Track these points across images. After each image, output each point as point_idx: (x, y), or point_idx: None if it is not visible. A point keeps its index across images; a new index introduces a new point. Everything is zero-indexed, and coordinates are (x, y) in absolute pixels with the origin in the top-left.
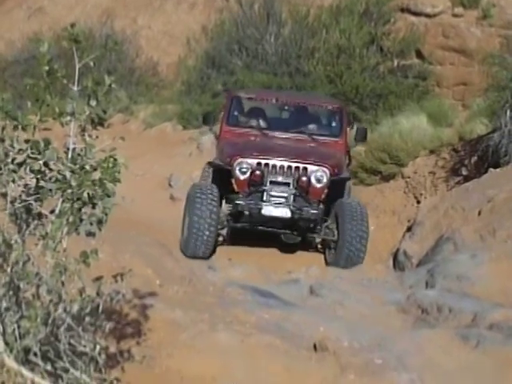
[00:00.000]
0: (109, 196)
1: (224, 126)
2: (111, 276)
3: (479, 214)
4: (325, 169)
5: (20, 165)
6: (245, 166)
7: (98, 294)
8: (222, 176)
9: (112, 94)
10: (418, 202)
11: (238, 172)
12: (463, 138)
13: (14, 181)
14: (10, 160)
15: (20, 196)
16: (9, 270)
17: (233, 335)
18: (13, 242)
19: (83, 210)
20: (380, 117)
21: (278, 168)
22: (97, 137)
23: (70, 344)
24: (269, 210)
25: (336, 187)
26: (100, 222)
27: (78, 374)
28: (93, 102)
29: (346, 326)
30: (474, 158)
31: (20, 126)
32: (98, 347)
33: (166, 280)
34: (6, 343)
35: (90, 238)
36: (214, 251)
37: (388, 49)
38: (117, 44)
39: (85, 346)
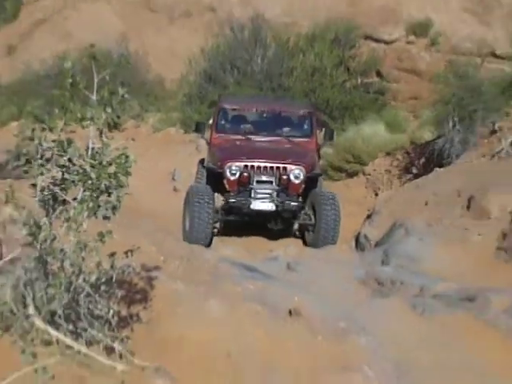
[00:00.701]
0: (122, 186)
1: (213, 134)
2: (123, 252)
3: (426, 204)
4: (301, 167)
5: (48, 160)
6: (234, 168)
7: (111, 267)
8: (214, 177)
9: (126, 103)
10: (376, 195)
11: (228, 174)
12: (414, 143)
13: (42, 173)
14: (39, 156)
15: (48, 186)
16: (38, 246)
17: (223, 303)
18: (42, 223)
19: (100, 197)
20: (346, 124)
21: (262, 169)
22: (112, 138)
23: (88, 308)
24: (257, 205)
25: (311, 182)
26: (114, 208)
27: (94, 333)
28: (108, 109)
29: (317, 296)
30: (423, 159)
31: (47, 128)
32: (111, 311)
33: (169, 257)
34: (36, 307)
35: (106, 221)
36: (211, 241)
37: (353, 69)
38: (129, 62)
39: (100, 310)
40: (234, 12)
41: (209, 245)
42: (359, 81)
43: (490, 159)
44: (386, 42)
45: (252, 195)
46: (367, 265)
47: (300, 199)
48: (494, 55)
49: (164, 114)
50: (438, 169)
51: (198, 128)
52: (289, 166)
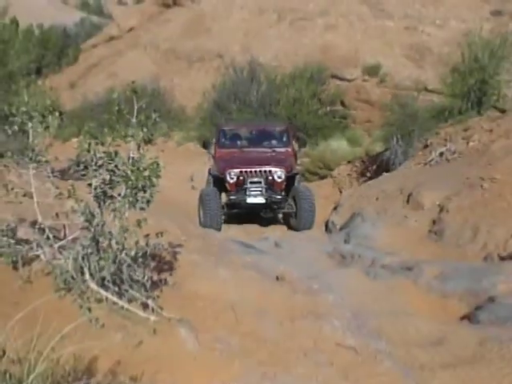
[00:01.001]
0: (154, 186)
1: (217, 149)
2: (155, 234)
3: (376, 199)
4: (282, 169)
5: (100, 166)
6: (232, 174)
7: (146, 244)
8: (219, 181)
9: (157, 124)
10: (341, 192)
11: (228, 178)
12: (368, 154)
13: (95, 176)
14: (93, 163)
15: (99, 185)
16: (92, 230)
17: (228, 270)
18: (95, 213)
19: (138, 194)
20: (318, 141)
21: (253, 173)
22: (147, 150)
23: (129, 275)
24: (251, 200)
25: (290, 179)
26: (148, 202)
27: (134, 293)
28: (144, 129)
29: (297, 265)
30: (374, 166)
31: (99, 143)
32: (145, 277)
33: (189, 237)
34: (91, 274)
35: (142, 211)
36: (221, 227)
37: (324, 100)
38: (159, 94)
39: (138, 276)
40: (236, 58)
41: (219, 230)
42: (328, 109)
43: (423, 166)
44: (348, 80)
45: (247, 193)
46: (334, 243)
47: (283, 193)
48: (427, 90)
49: (185, 133)
50: (385, 173)
51: (205, 145)
52: (273, 169)
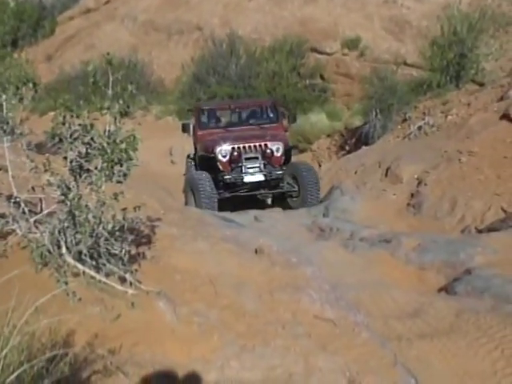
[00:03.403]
0: (131, 159)
1: (198, 131)
2: (133, 208)
3: (355, 173)
4: (280, 143)
5: (75, 139)
6: (224, 151)
7: (123, 218)
8: (207, 163)
9: (135, 97)
10: (320, 166)
11: (220, 157)
12: (347, 128)
13: (71, 149)
14: (68, 136)
15: (75, 159)
16: (69, 203)
17: (207, 243)
18: (71, 186)
19: (115, 167)
20: (298, 115)
21: (247, 148)
22: (123, 123)
23: (106, 248)
24: (249, 178)
25: (287, 155)
26: (125, 175)
27: (111, 267)
28: (120, 101)
29: (276, 238)
30: (353, 140)
31: (75, 115)
32: (123, 250)
33: (167, 210)
34: (67, 248)
35: (119, 185)
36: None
37: (303, 73)
38: (135, 66)
39: (115, 250)
40: (216, 30)
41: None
42: (307, 82)
43: (402, 140)
44: (328, 54)
45: (243, 171)
46: (313, 216)
47: (283, 168)
48: (406, 64)
49: (164, 107)
50: (364, 147)
51: (184, 128)
52: (270, 143)
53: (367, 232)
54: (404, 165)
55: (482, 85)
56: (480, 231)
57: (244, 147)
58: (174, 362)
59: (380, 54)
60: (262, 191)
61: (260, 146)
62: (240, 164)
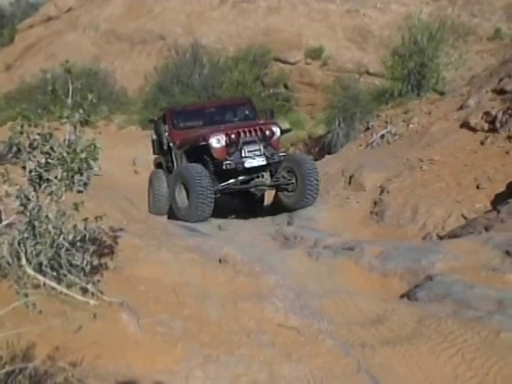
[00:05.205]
0: (91, 168)
1: (173, 131)
2: (94, 218)
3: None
4: (276, 125)
5: (34, 148)
6: (218, 137)
7: (85, 228)
8: (198, 154)
9: (97, 107)
10: None
11: (214, 144)
12: (311, 137)
13: (30, 159)
14: (27, 146)
15: (35, 168)
16: (28, 214)
17: (171, 253)
18: (30, 197)
19: (75, 177)
20: None
21: (246, 132)
22: (84, 132)
23: (67, 259)
24: (250, 163)
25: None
26: (85, 184)
27: (72, 278)
28: (80, 110)
29: (240, 247)
30: (317, 148)
31: (33, 124)
32: (85, 261)
33: (131, 221)
34: (27, 259)
35: (80, 194)
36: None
37: (267, 83)
38: (96, 74)
39: (77, 261)
40: (179, 40)
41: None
42: (271, 91)
43: (365, 148)
44: (291, 63)
45: (243, 154)
46: (277, 225)
47: (284, 153)
48: (368, 73)
49: (127, 116)
50: (327, 155)
51: (157, 129)
52: (264, 126)
53: (331, 240)
54: (367, 173)
55: (442, 94)
56: (441, 238)
57: (240, 132)
58: (137, 373)
59: (343, 64)
60: (259, 181)
61: (255, 129)
62: (240, 147)
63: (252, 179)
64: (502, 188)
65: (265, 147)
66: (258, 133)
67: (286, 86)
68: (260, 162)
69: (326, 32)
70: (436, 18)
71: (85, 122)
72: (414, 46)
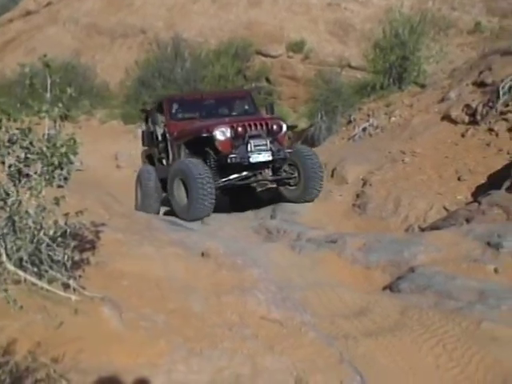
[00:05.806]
0: (71, 163)
1: (169, 121)
2: (75, 213)
3: None
4: (282, 120)
5: (13, 143)
6: (223, 129)
7: (65, 223)
8: (200, 146)
9: (78, 102)
10: None
11: (219, 136)
12: (293, 130)
13: (9, 153)
14: (6, 140)
15: (14, 163)
16: (8, 209)
17: (153, 247)
18: (10, 192)
19: (55, 171)
20: None
21: (252, 125)
22: (63, 126)
23: (48, 255)
24: (255, 158)
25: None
26: (66, 179)
27: (54, 273)
28: (59, 105)
29: (222, 241)
30: (299, 142)
31: (12, 119)
32: (66, 256)
33: (113, 216)
34: (7, 255)
35: (60, 189)
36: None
37: (249, 76)
38: (74, 67)
39: (58, 256)
40: (160, 33)
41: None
42: (253, 85)
43: (347, 141)
44: (273, 57)
45: (249, 149)
46: (260, 219)
47: (290, 150)
48: (350, 66)
49: (109, 111)
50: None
51: (153, 120)
52: (272, 121)
53: (314, 233)
54: (349, 166)
55: (423, 86)
56: (423, 230)
57: (246, 125)
58: (120, 368)
59: (325, 57)
60: (260, 178)
61: (262, 123)
62: (246, 141)
63: (254, 175)
64: (482, 180)
65: (271, 142)
66: (265, 127)
67: (267, 80)
68: (266, 157)
69: (307, 25)
70: (417, 11)
71: (64, 117)
72: (395, 39)
